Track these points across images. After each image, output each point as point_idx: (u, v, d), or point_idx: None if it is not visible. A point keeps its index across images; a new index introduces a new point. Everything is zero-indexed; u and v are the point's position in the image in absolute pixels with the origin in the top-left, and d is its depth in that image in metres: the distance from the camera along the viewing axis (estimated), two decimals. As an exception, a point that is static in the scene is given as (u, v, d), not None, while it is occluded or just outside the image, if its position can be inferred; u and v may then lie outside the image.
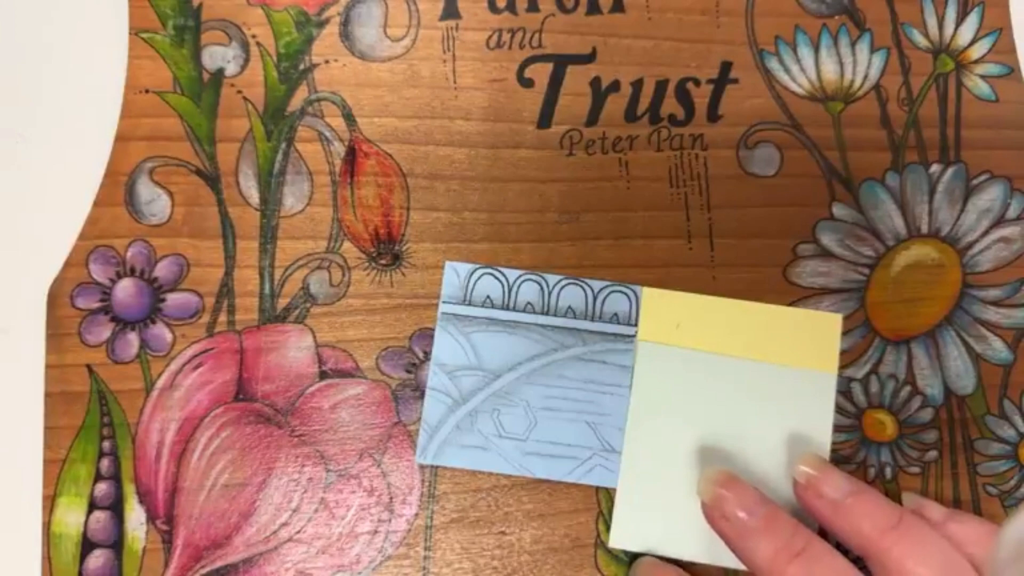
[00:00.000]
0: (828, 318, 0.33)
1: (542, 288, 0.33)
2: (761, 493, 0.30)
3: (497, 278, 0.33)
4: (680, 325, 0.33)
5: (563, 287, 0.33)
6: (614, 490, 0.32)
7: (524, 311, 0.33)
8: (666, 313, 0.33)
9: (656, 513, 0.32)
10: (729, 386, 0.32)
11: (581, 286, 0.33)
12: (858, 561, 0.28)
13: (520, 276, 0.33)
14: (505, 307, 0.33)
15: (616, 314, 0.33)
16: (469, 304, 0.33)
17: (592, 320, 0.33)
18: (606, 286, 0.33)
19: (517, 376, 0.32)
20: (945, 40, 0.35)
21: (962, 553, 0.29)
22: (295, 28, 0.34)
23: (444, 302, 0.33)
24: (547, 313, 0.33)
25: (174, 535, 0.32)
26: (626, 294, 0.33)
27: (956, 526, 0.30)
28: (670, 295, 0.33)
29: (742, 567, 0.30)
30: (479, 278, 0.33)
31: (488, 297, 0.33)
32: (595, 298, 0.33)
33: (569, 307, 0.33)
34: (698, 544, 0.32)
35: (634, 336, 0.33)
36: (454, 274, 0.33)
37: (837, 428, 0.33)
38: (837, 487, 0.29)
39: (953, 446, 0.34)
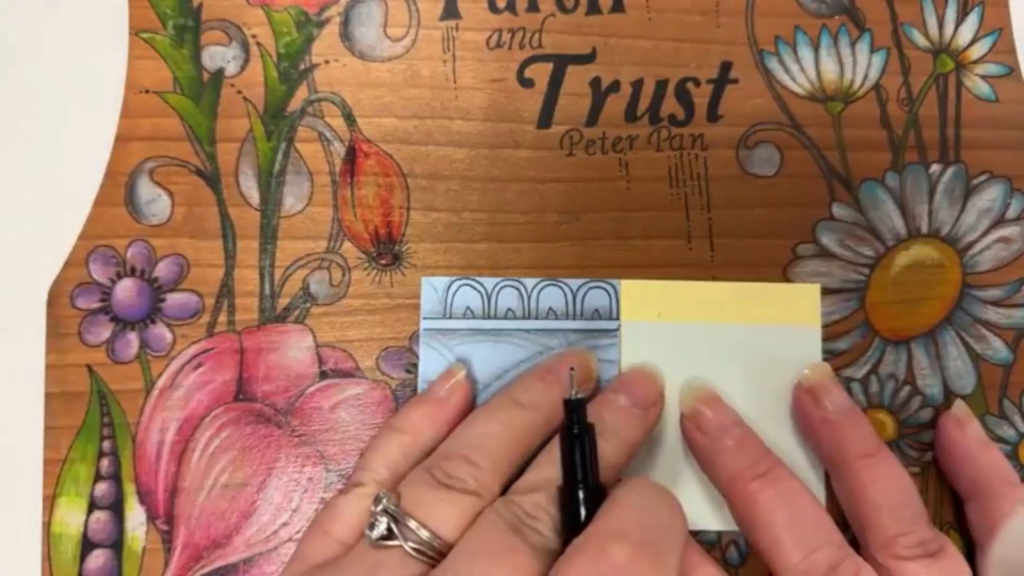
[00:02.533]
0: (807, 288, 0.33)
1: (521, 293, 0.33)
2: (740, 417, 0.31)
3: (475, 288, 0.33)
4: (661, 313, 0.33)
5: (542, 289, 0.33)
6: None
7: (505, 318, 0.33)
8: (647, 302, 0.33)
9: (654, 476, 0.32)
10: (716, 351, 0.33)
11: (559, 286, 0.33)
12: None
13: (498, 283, 0.33)
14: (486, 316, 0.33)
15: (597, 310, 0.33)
16: (449, 318, 0.33)
17: (573, 319, 0.33)
18: (584, 283, 0.33)
19: (505, 383, 0.32)
20: (945, 40, 0.35)
21: (975, 488, 0.31)
22: (295, 28, 0.34)
23: (425, 318, 0.33)
24: (528, 317, 0.33)
25: (174, 535, 0.32)
26: (605, 289, 0.33)
27: (981, 459, 0.31)
28: (649, 284, 0.33)
29: (729, 528, 0.31)
30: (457, 290, 0.33)
31: (468, 308, 0.33)
32: (574, 296, 0.33)
33: (550, 308, 0.33)
34: (696, 510, 0.32)
35: (617, 330, 0.33)
36: (431, 289, 0.33)
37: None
38: (834, 401, 0.31)
39: (953, 446, 0.34)
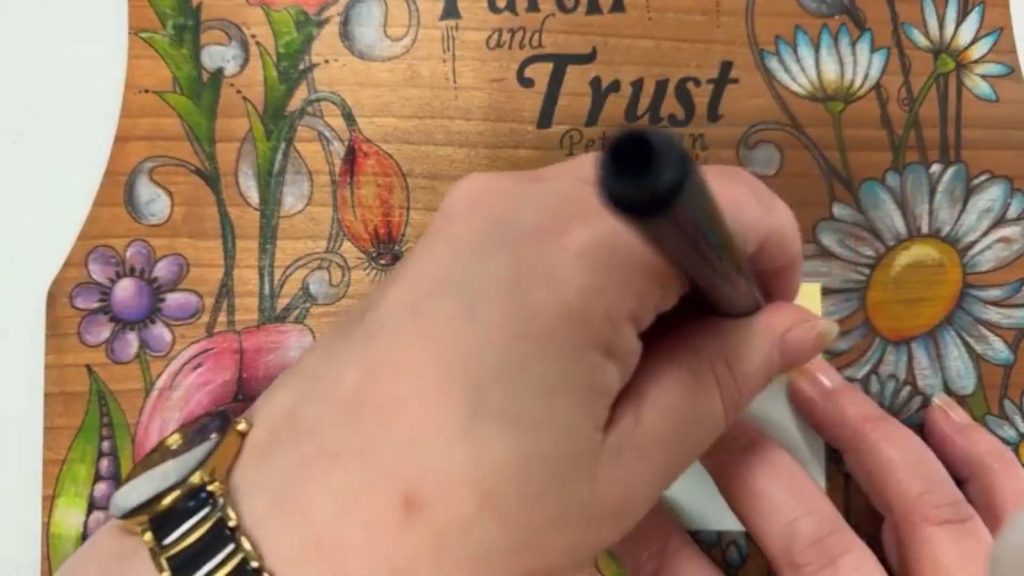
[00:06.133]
0: (808, 288, 0.33)
1: None
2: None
3: None
4: None
5: None
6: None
7: None
8: None
9: None
10: None
11: None
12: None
13: None
14: None
15: None
16: None
17: None
18: None
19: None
20: (945, 40, 0.35)
21: (969, 468, 0.30)
22: (295, 28, 0.34)
23: None
24: None
25: (174, 535, 0.32)
26: None
27: (970, 438, 0.31)
28: None
29: (729, 528, 0.31)
30: None
31: None
32: None
33: None
34: (697, 511, 0.32)
35: None
36: None
37: (837, 428, 0.33)
38: (831, 377, 0.31)
39: (953, 446, 0.34)
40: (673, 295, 0.22)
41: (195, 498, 0.21)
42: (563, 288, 0.20)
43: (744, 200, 0.22)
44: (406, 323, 0.21)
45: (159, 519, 0.21)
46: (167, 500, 0.21)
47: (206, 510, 0.21)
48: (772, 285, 0.26)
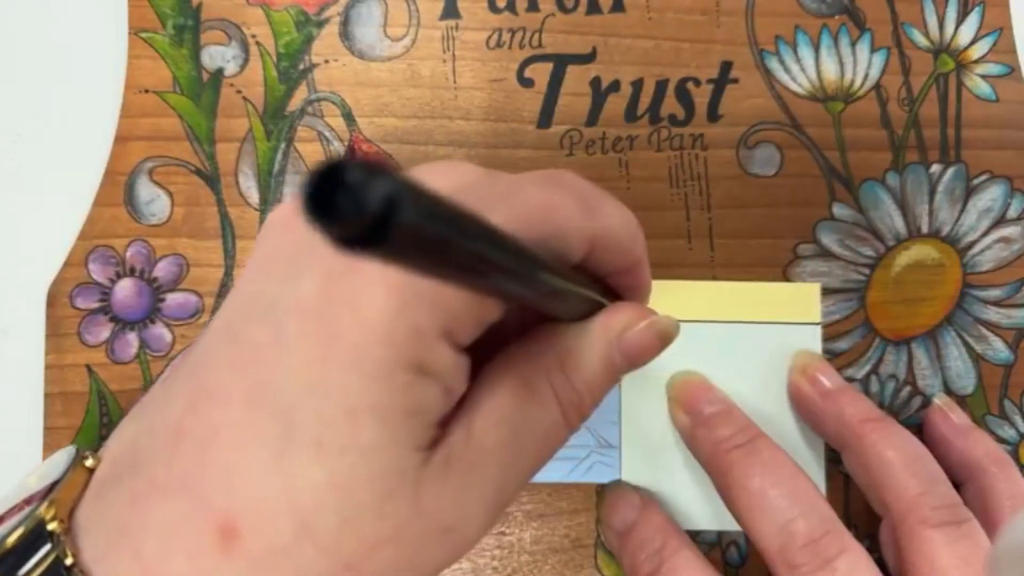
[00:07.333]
0: (807, 287, 0.33)
1: None
2: (725, 396, 0.31)
3: None
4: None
5: None
6: (614, 490, 0.32)
7: None
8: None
9: (655, 479, 0.32)
10: (716, 350, 0.33)
11: None
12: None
13: None
14: None
15: None
16: None
17: None
18: None
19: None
20: (945, 40, 0.35)
21: (967, 471, 0.30)
22: (295, 28, 0.34)
23: None
24: None
25: (174, 535, 0.32)
26: None
27: (969, 441, 0.31)
28: None
29: (729, 528, 0.31)
30: None
31: None
32: None
33: None
34: (697, 511, 0.32)
35: None
36: None
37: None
38: (831, 378, 0.31)
39: (953, 446, 0.34)
40: (494, 307, 0.21)
41: (38, 536, 0.21)
42: (365, 309, 0.20)
43: (560, 207, 0.22)
44: (222, 350, 0.21)
45: (5, 558, 0.21)
46: (11, 539, 0.21)
47: (47, 548, 0.21)
48: (619, 286, 0.25)
